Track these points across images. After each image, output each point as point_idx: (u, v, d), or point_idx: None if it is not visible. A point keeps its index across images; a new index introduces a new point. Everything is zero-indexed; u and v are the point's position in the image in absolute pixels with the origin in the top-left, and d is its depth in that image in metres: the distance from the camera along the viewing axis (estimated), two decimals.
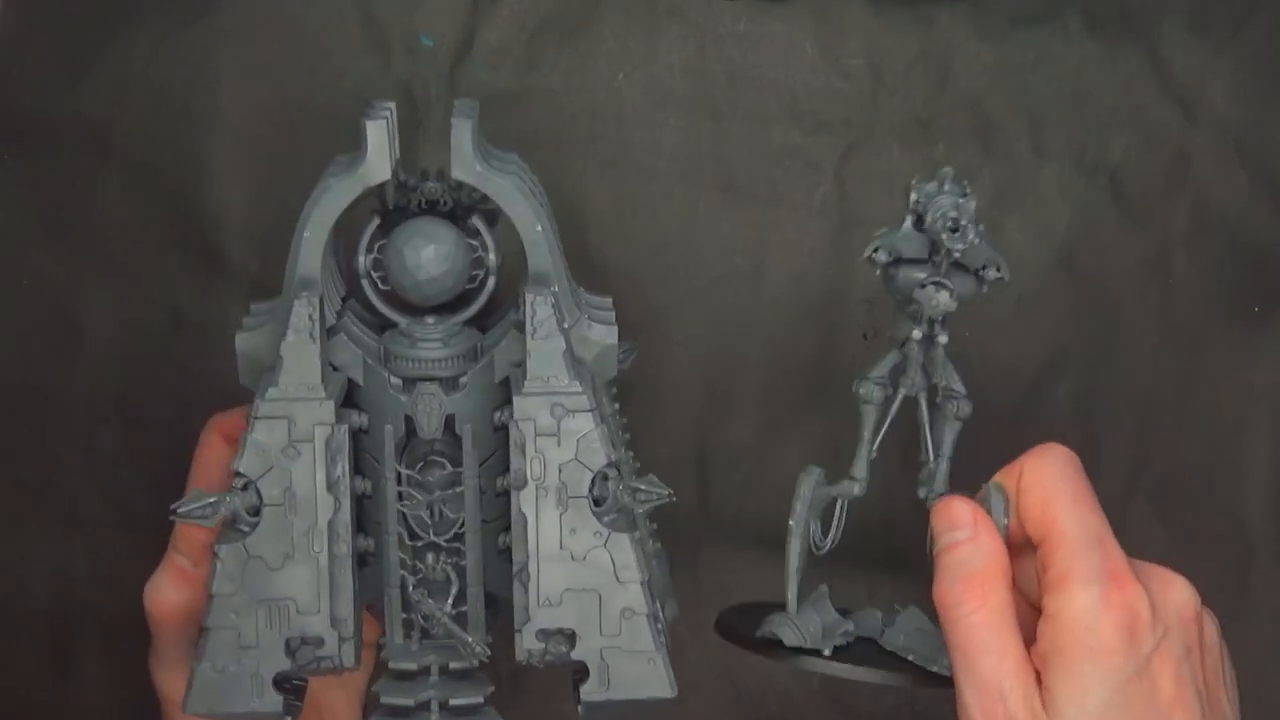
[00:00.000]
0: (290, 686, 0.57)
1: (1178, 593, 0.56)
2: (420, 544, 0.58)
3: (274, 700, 0.55)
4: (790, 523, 0.60)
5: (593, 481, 0.56)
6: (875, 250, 0.58)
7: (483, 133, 0.57)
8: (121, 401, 0.72)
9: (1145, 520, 0.73)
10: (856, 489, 0.61)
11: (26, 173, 0.70)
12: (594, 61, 0.71)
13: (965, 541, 0.56)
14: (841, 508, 0.61)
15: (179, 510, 0.55)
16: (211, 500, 0.55)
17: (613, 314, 0.60)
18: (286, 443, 0.55)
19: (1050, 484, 0.56)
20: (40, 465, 0.72)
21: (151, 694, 0.72)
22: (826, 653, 0.60)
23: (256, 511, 0.55)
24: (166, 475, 0.72)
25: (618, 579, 0.56)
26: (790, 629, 0.60)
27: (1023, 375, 0.72)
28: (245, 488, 0.55)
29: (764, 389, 0.73)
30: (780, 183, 0.72)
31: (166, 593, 0.60)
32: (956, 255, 0.56)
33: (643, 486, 0.56)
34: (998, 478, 0.58)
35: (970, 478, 0.73)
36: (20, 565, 0.72)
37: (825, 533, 0.61)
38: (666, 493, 0.56)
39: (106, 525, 0.72)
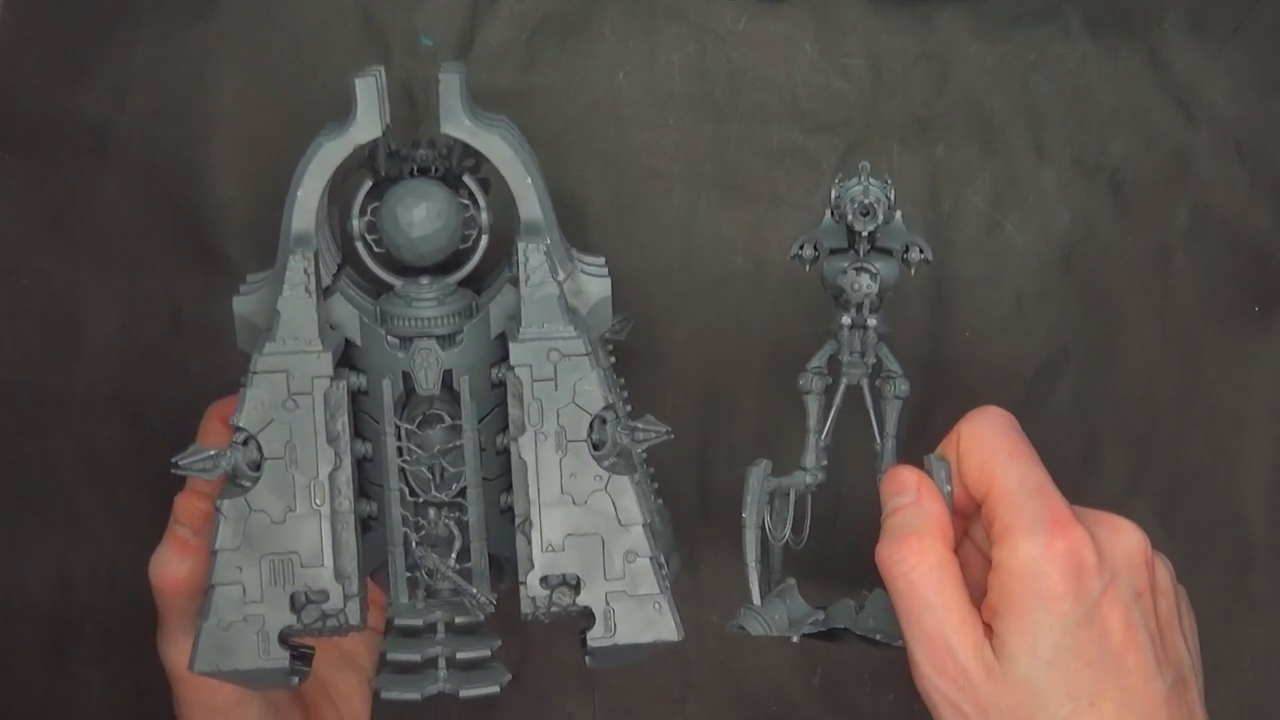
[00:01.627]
0: (298, 653, 0.57)
1: (1125, 537, 0.56)
2: (422, 500, 0.58)
3: (280, 655, 0.55)
4: (743, 515, 0.60)
5: (591, 425, 0.56)
6: (801, 247, 0.61)
7: (471, 94, 0.58)
8: (121, 401, 0.72)
9: (1145, 520, 0.73)
10: (808, 479, 0.62)
11: (26, 173, 0.70)
12: (594, 61, 0.71)
13: (908, 505, 0.58)
14: (803, 500, 0.62)
15: (180, 462, 0.55)
16: (212, 453, 0.55)
17: (605, 269, 0.60)
18: (286, 396, 0.55)
19: (987, 442, 0.57)
20: (40, 465, 0.72)
21: (151, 693, 0.72)
22: (795, 639, 0.61)
23: (258, 466, 0.55)
24: (167, 475, 0.72)
25: (620, 522, 0.56)
26: (756, 620, 0.61)
27: (1023, 375, 0.72)
28: (246, 442, 0.55)
29: (764, 389, 0.73)
30: (780, 183, 0.72)
31: (171, 565, 0.60)
32: (867, 236, 0.58)
33: (640, 425, 0.56)
34: (939, 449, 0.59)
35: None
36: (20, 565, 0.72)
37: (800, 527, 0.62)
38: (665, 430, 0.57)
39: (106, 525, 0.72)
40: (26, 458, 0.72)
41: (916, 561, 0.56)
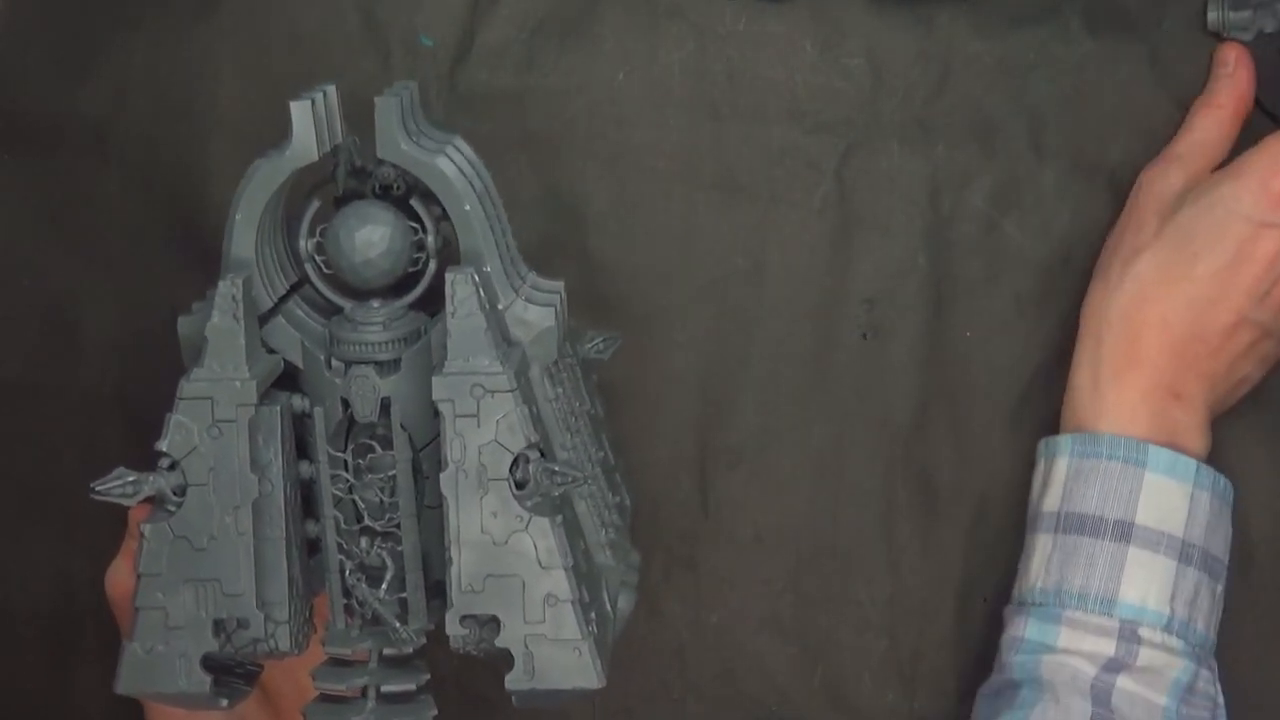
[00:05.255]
0: (242, 672, 0.56)
1: None
2: (357, 528, 0.57)
3: (201, 680, 0.55)
4: None
5: (514, 463, 0.54)
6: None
7: (424, 114, 0.57)
8: (121, 401, 0.72)
9: None
10: None
11: (26, 173, 0.70)
12: (594, 61, 0.71)
13: None
14: None
15: (99, 488, 0.54)
16: (132, 479, 0.54)
17: (559, 298, 0.59)
18: (210, 423, 0.54)
19: None
20: (40, 465, 0.72)
21: None
22: None
23: (182, 491, 0.55)
24: None
25: (540, 564, 0.54)
26: None
27: (1023, 375, 0.72)
28: (171, 467, 0.55)
29: (763, 389, 0.73)
30: (780, 183, 0.72)
31: (123, 575, 0.60)
32: None
33: (557, 468, 0.54)
34: None
35: (976, 477, 0.73)
36: (20, 565, 0.72)
37: None
38: (581, 475, 0.55)
39: (106, 525, 0.72)
40: (26, 458, 0.72)
41: None
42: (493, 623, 0.55)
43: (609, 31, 0.71)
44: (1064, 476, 0.65)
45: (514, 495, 0.54)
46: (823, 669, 0.74)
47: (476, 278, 0.55)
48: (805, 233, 0.72)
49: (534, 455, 0.54)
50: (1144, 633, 0.64)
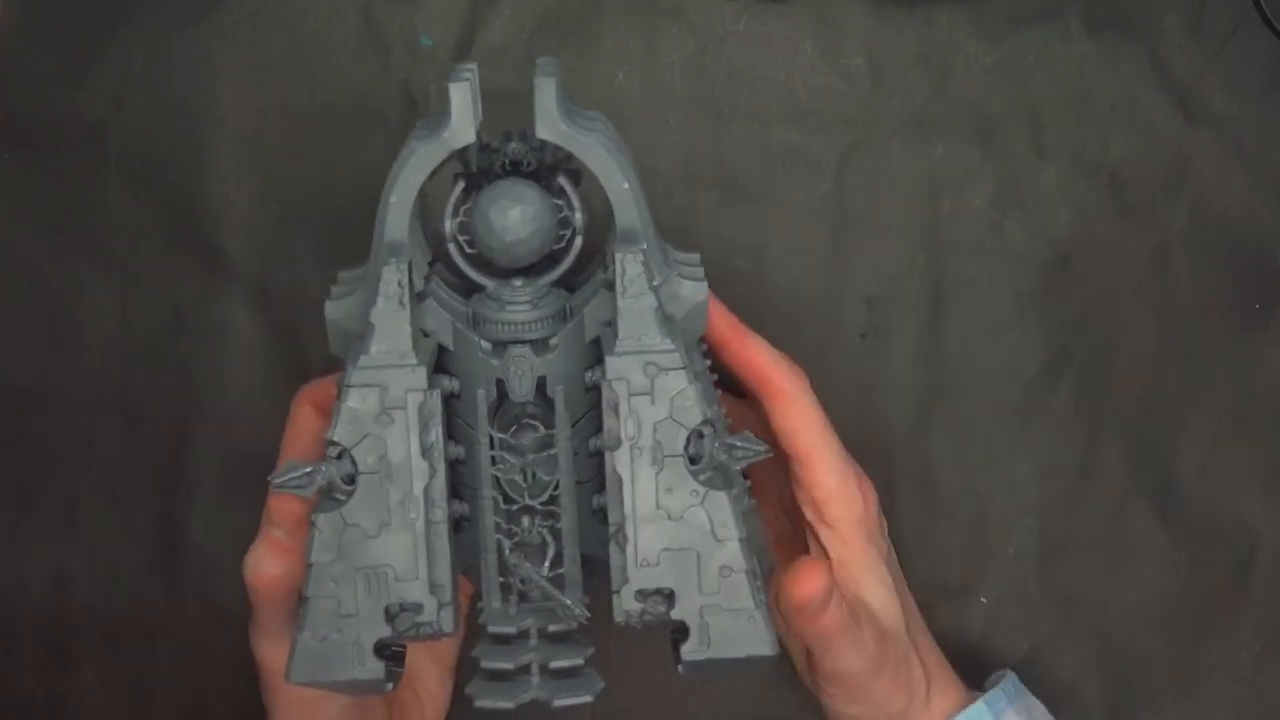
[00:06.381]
0: (390, 653, 0.56)
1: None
2: (515, 507, 0.57)
3: (375, 667, 0.55)
4: None
5: (688, 439, 0.55)
6: None
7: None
8: (121, 401, 0.72)
9: (1145, 520, 0.73)
10: None
11: (26, 173, 0.70)
12: (594, 61, 0.71)
13: None
14: None
15: (276, 481, 0.54)
16: (308, 470, 0.54)
17: (701, 270, 0.59)
18: (380, 410, 0.54)
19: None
20: (40, 465, 0.72)
21: (151, 693, 0.72)
22: None
23: (352, 480, 0.55)
24: (167, 475, 0.72)
25: (715, 537, 0.55)
26: None
27: (1023, 375, 0.72)
28: (340, 456, 0.54)
29: None
30: (780, 183, 0.72)
31: (265, 564, 0.60)
32: None
33: (739, 443, 0.55)
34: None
35: (976, 477, 0.73)
36: (20, 565, 0.72)
37: None
38: (764, 449, 0.56)
39: (106, 525, 0.72)
40: (26, 458, 0.72)
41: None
42: (660, 595, 0.55)
43: (609, 31, 0.71)
44: None
45: (689, 471, 0.55)
46: None
47: (643, 257, 0.55)
48: (805, 233, 0.72)
49: (707, 431, 0.55)
50: None
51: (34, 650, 0.73)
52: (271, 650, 0.61)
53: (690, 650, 0.55)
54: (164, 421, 0.71)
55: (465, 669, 0.71)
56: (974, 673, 0.70)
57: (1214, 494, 0.73)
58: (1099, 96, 0.71)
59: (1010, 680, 0.68)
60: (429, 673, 0.68)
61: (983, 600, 0.73)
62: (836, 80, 0.71)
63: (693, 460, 0.55)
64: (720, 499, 0.55)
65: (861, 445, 0.68)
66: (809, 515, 0.64)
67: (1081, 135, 0.71)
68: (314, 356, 0.71)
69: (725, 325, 0.62)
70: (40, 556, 0.72)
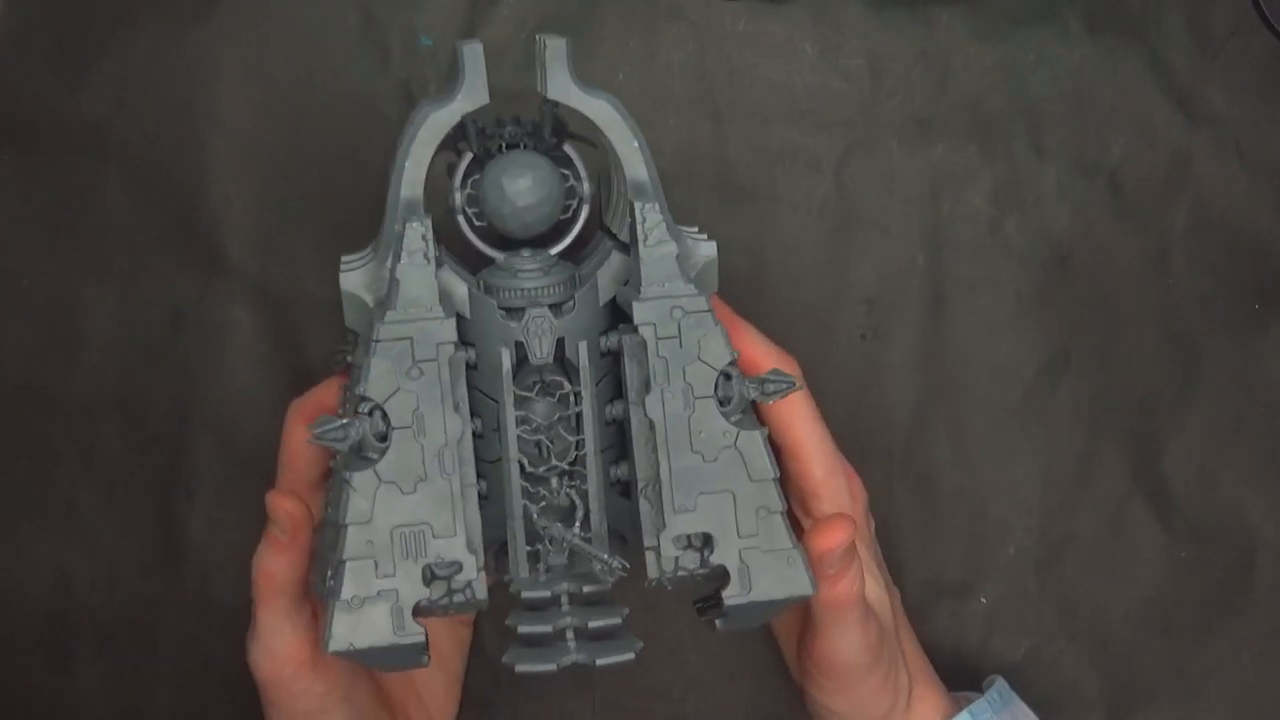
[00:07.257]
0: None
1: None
2: (541, 470, 0.57)
3: (415, 631, 0.54)
4: None
5: (716, 381, 0.55)
6: None
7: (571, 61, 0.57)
8: (121, 401, 0.72)
9: (1145, 520, 0.73)
10: None
11: (26, 173, 0.70)
12: (594, 61, 0.71)
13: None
14: None
15: (315, 431, 0.53)
16: (344, 423, 0.53)
17: (705, 235, 0.60)
18: (410, 364, 0.54)
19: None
20: (40, 465, 0.72)
21: (151, 693, 0.72)
22: None
23: (384, 437, 0.54)
24: (167, 475, 0.72)
25: (751, 478, 0.55)
26: None
27: (1023, 375, 0.72)
28: (372, 412, 0.54)
29: None
30: (780, 183, 0.72)
31: (265, 559, 0.59)
32: None
33: (770, 378, 0.55)
34: None
35: (976, 477, 0.73)
36: (19, 565, 0.72)
37: None
38: (795, 381, 0.56)
39: (106, 525, 0.72)
40: (26, 458, 0.72)
41: None
42: (693, 548, 0.55)
43: (609, 31, 0.71)
44: None
45: (720, 412, 0.55)
46: None
47: (661, 206, 0.56)
48: (805, 233, 0.72)
49: (734, 371, 0.55)
50: None
51: (34, 650, 0.73)
52: (267, 659, 0.60)
53: (732, 595, 0.55)
54: (164, 421, 0.71)
55: (472, 671, 0.71)
56: (973, 673, 0.70)
57: (1214, 494, 0.73)
58: (1099, 96, 0.71)
59: (997, 689, 0.68)
60: (436, 681, 0.68)
61: (982, 600, 0.73)
62: (836, 80, 0.71)
63: (722, 402, 0.55)
64: (754, 438, 0.55)
65: (861, 445, 0.69)
66: (797, 509, 0.64)
67: (1081, 135, 0.71)
68: (314, 356, 0.71)
69: (719, 314, 0.62)
70: (40, 556, 0.72)
